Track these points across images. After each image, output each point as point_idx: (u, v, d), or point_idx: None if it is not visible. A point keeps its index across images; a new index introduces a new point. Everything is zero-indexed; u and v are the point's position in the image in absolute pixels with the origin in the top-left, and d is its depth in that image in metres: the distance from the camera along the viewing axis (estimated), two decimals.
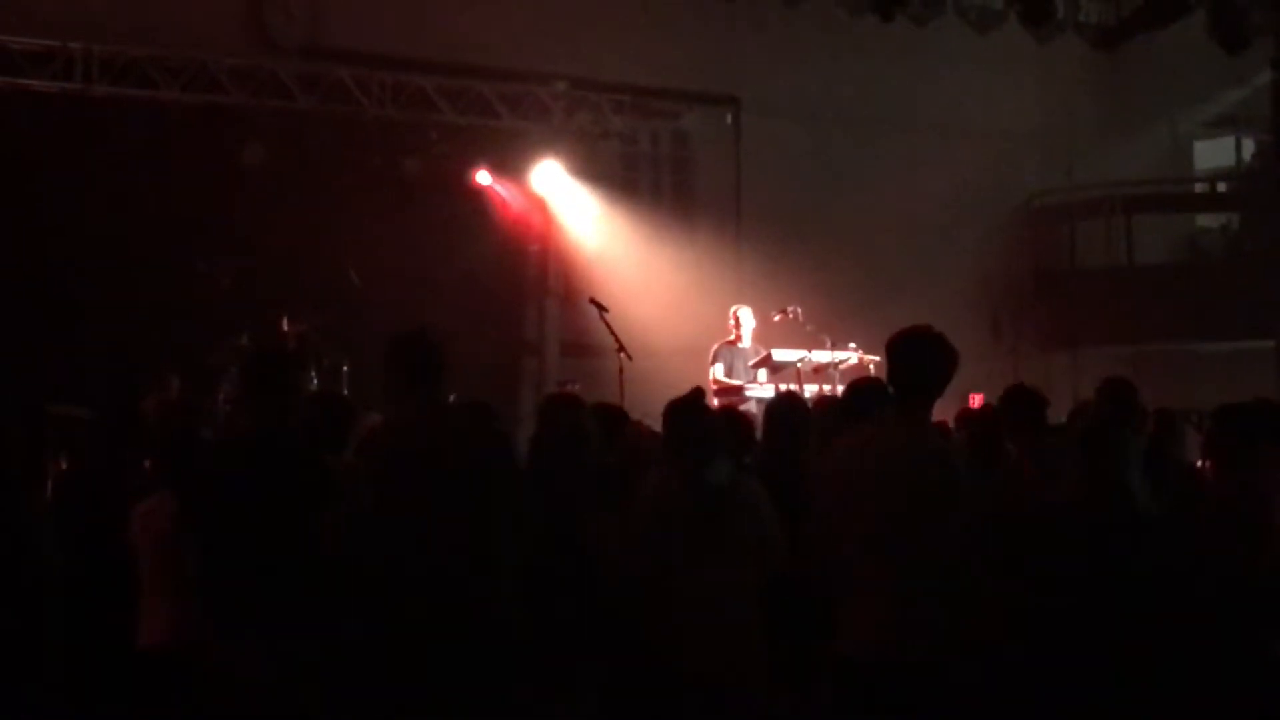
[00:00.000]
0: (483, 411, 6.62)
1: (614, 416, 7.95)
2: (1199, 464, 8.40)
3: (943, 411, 8.39)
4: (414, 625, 5.88)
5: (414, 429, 6.16)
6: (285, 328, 13.71)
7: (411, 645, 5.87)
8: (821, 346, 14.15)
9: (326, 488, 6.20)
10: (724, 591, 6.21)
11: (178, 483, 6.80)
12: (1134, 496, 6.51)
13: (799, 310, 14.53)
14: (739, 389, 13.93)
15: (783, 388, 13.82)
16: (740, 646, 6.21)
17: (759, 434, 8.11)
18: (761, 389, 13.95)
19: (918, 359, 5.97)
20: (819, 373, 14.18)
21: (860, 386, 7.36)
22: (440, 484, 6.00)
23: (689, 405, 6.66)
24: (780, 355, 14.15)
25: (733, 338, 14.47)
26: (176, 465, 6.98)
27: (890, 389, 6.07)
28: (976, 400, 14.91)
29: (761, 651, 6.26)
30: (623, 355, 13.26)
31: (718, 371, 14.20)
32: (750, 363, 14.21)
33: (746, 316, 14.52)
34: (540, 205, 17.77)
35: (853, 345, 14.09)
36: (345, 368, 13.89)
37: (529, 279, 18.06)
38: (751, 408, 12.69)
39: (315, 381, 13.76)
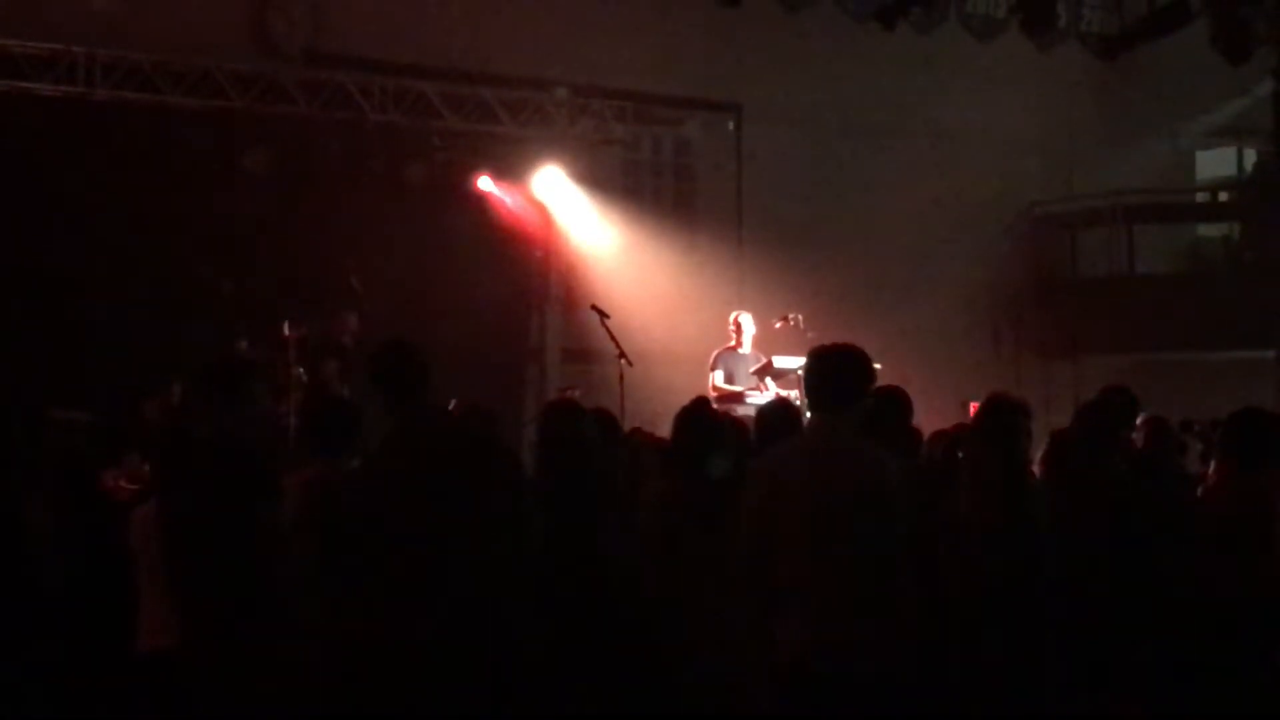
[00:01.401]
0: (483, 417, 6.63)
1: (607, 422, 7.97)
2: (1207, 471, 8.39)
3: (944, 419, 8.44)
4: (418, 630, 5.90)
5: (412, 438, 6.18)
6: (286, 333, 13.70)
7: (415, 648, 5.89)
8: None
9: (275, 491, 6.27)
10: (726, 599, 6.21)
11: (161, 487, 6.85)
12: (1026, 505, 6.51)
13: (800, 317, 14.51)
14: (739, 395, 13.92)
15: (782, 394, 13.85)
16: (742, 651, 6.20)
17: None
18: (762, 396, 13.94)
19: (842, 371, 5.97)
20: None
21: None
22: (440, 491, 6.01)
23: (696, 413, 6.68)
24: (781, 362, 14.13)
25: (733, 343, 14.47)
26: (168, 469, 7.01)
27: (810, 399, 6.10)
28: (976, 408, 14.91)
29: (765, 658, 6.25)
30: (623, 361, 13.29)
31: (717, 378, 14.20)
32: (751, 369, 14.20)
33: (747, 322, 14.51)
34: (542, 211, 17.76)
35: None
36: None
37: (530, 285, 18.04)
38: (750, 414, 12.68)
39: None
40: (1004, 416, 6.98)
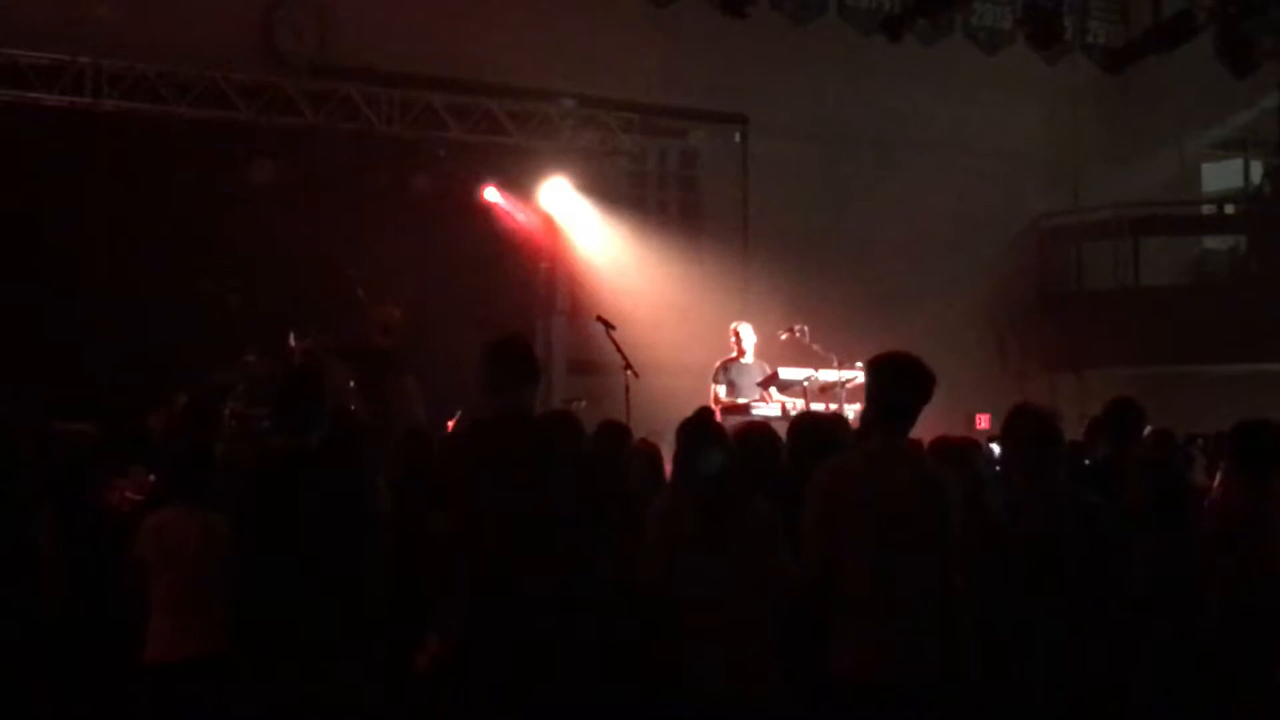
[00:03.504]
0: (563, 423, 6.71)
1: (616, 433, 7.99)
2: (1212, 484, 8.40)
3: (948, 432, 8.42)
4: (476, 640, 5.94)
5: (489, 431, 6.26)
6: (292, 344, 13.69)
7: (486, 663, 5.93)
8: (828, 365, 14.13)
9: (370, 506, 6.29)
10: (733, 610, 6.21)
11: (209, 497, 6.83)
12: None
13: (805, 329, 14.51)
14: (743, 407, 13.92)
15: (788, 404, 13.85)
16: (749, 665, 6.20)
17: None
18: (767, 407, 13.95)
19: (900, 382, 6.02)
20: (825, 392, 14.16)
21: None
22: (507, 487, 6.06)
23: (698, 424, 6.68)
24: (786, 374, 14.13)
25: (735, 354, 14.46)
26: (196, 479, 7.00)
27: (874, 409, 6.13)
28: (983, 421, 14.92)
29: (770, 670, 6.25)
30: (629, 373, 13.27)
31: (720, 391, 14.19)
32: (755, 380, 14.20)
33: (746, 332, 14.51)
34: (548, 222, 17.77)
35: (859, 364, 14.02)
36: (352, 383, 13.89)
37: (536, 296, 18.03)
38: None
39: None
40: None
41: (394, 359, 14.03)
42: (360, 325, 14.19)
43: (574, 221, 17.87)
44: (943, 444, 7.53)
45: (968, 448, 7.11)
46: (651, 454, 7.87)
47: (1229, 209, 23.86)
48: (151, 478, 9.07)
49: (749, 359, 14.41)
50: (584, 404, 13.91)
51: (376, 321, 14.17)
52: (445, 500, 6.27)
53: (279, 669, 5.98)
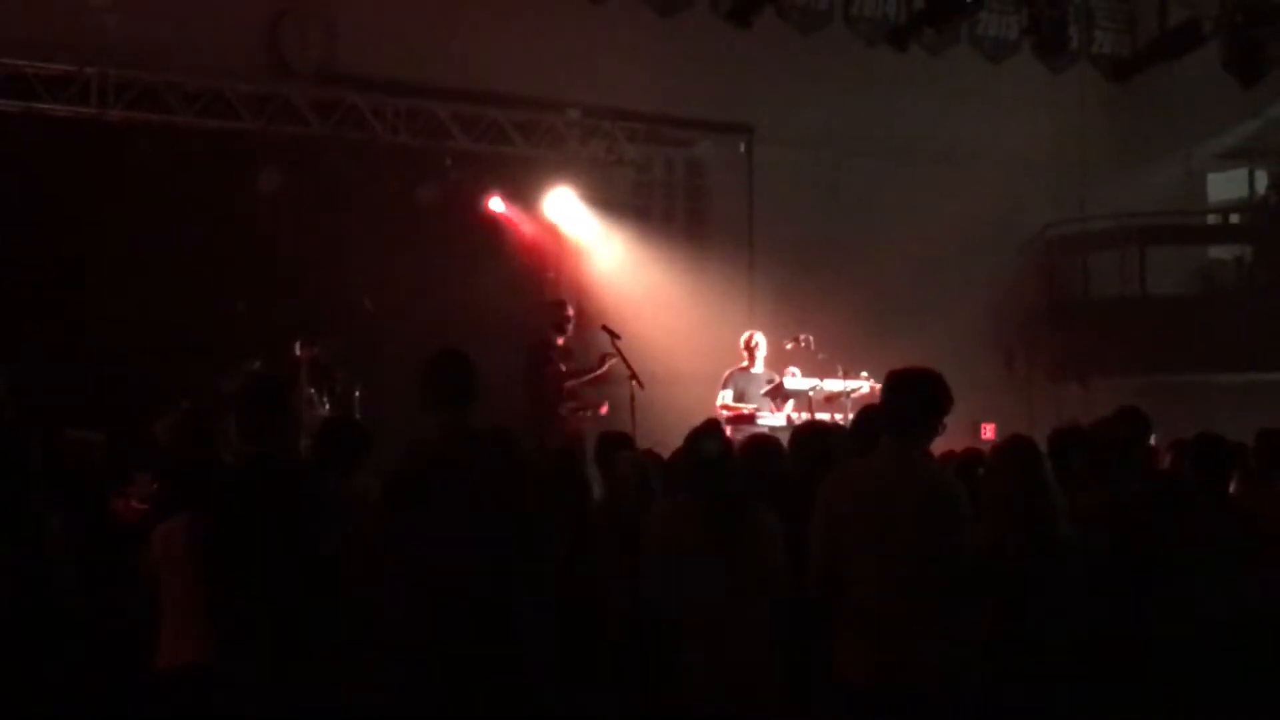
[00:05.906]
0: (505, 436, 6.71)
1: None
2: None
3: (955, 441, 8.43)
4: (433, 652, 5.92)
5: (435, 448, 6.24)
6: (298, 352, 13.70)
7: (430, 671, 5.91)
8: (833, 375, 14.14)
9: (333, 511, 6.26)
10: (735, 617, 6.21)
11: (192, 504, 6.83)
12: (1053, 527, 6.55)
13: (811, 338, 14.52)
14: (750, 416, 13.93)
15: (793, 415, 13.86)
16: (751, 672, 6.20)
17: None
18: (774, 417, 13.96)
19: (917, 395, 6.02)
20: (830, 401, 14.17)
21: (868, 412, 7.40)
22: (458, 502, 6.05)
23: (699, 425, 6.71)
24: (792, 383, 14.14)
25: (745, 363, 14.47)
26: (192, 486, 7.00)
27: (887, 421, 6.15)
28: (989, 430, 14.91)
29: (772, 676, 6.25)
30: (634, 383, 13.28)
31: (727, 396, 14.20)
32: (763, 390, 14.20)
33: (760, 341, 14.52)
34: (553, 232, 17.77)
35: (864, 374, 14.06)
36: (358, 392, 13.91)
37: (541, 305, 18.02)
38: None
39: (328, 406, 13.78)
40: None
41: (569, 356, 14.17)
42: (536, 320, 14.34)
43: (579, 231, 17.88)
44: (1014, 444, 7.45)
45: (1035, 453, 7.02)
46: (645, 465, 7.88)
47: (1235, 218, 23.83)
48: (155, 486, 9.07)
49: (759, 368, 14.43)
50: (590, 414, 13.92)
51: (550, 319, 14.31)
52: (390, 519, 6.26)
53: (260, 675, 5.99)
